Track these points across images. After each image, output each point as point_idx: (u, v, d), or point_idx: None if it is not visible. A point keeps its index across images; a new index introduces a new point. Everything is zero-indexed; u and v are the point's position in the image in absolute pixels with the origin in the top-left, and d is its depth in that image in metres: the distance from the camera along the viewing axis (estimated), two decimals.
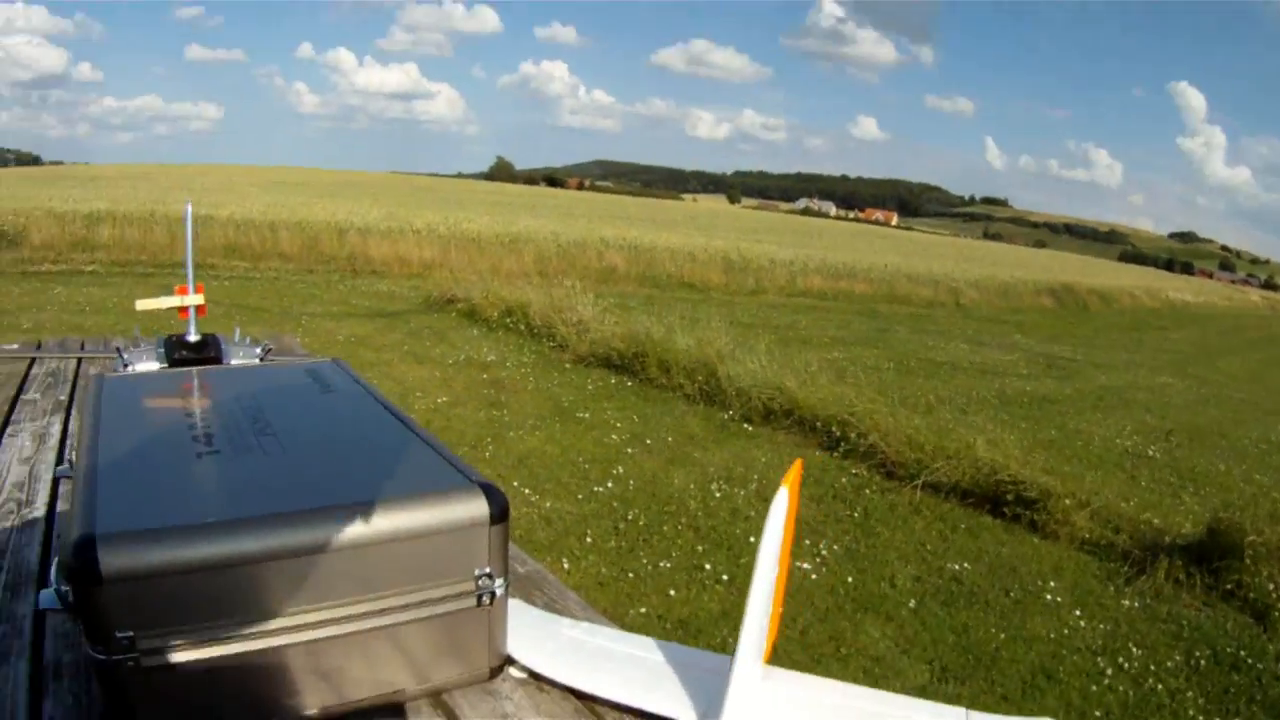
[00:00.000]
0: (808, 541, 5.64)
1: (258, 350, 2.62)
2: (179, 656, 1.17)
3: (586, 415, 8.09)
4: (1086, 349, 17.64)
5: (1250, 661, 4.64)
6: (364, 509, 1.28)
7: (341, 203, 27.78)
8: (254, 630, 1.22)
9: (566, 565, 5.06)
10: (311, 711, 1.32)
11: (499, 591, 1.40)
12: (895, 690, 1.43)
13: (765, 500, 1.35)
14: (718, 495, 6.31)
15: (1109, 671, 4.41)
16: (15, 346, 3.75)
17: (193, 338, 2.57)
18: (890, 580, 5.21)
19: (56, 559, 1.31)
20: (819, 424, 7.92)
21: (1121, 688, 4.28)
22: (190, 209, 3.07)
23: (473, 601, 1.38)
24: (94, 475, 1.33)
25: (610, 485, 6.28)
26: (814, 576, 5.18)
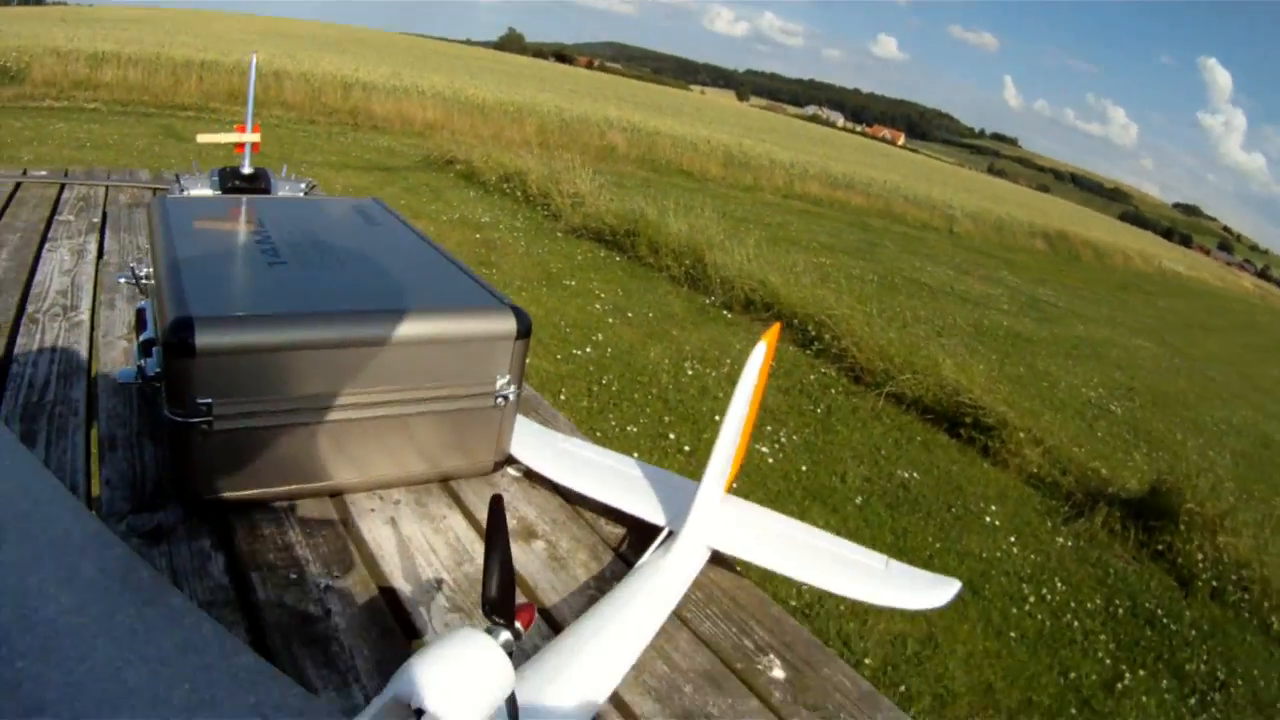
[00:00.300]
0: (769, 428, 5.80)
1: (302, 186, 2.79)
2: (243, 423, 1.36)
3: (573, 283, 8.19)
4: (1070, 298, 17.67)
5: (1165, 621, 4.80)
6: (415, 314, 1.46)
7: (347, 58, 27.49)
8: (310, 407, 1.41)
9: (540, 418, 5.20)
10: (345, 479, 1.51)
11: (511, 397, 1.59)
12: None
13: (734, 383, 1.48)
14: (689, 373, 6.44)
15: (1031, 599, 4.58)
16: (44, 173, 3.85)
17: (246, 170, 2.74)
18: (842, 476, 5.37)
19: (140, 339, 1.57)
20: (796, 321, 8.05)
21: (1040, 616, 4.45)
22: (255, 59, 3.20)
23: (490, 402, 1.57)
24: (178, 272, 1.49)
25: (588, 350, 6.40)
26: (770, 461, 5.34)
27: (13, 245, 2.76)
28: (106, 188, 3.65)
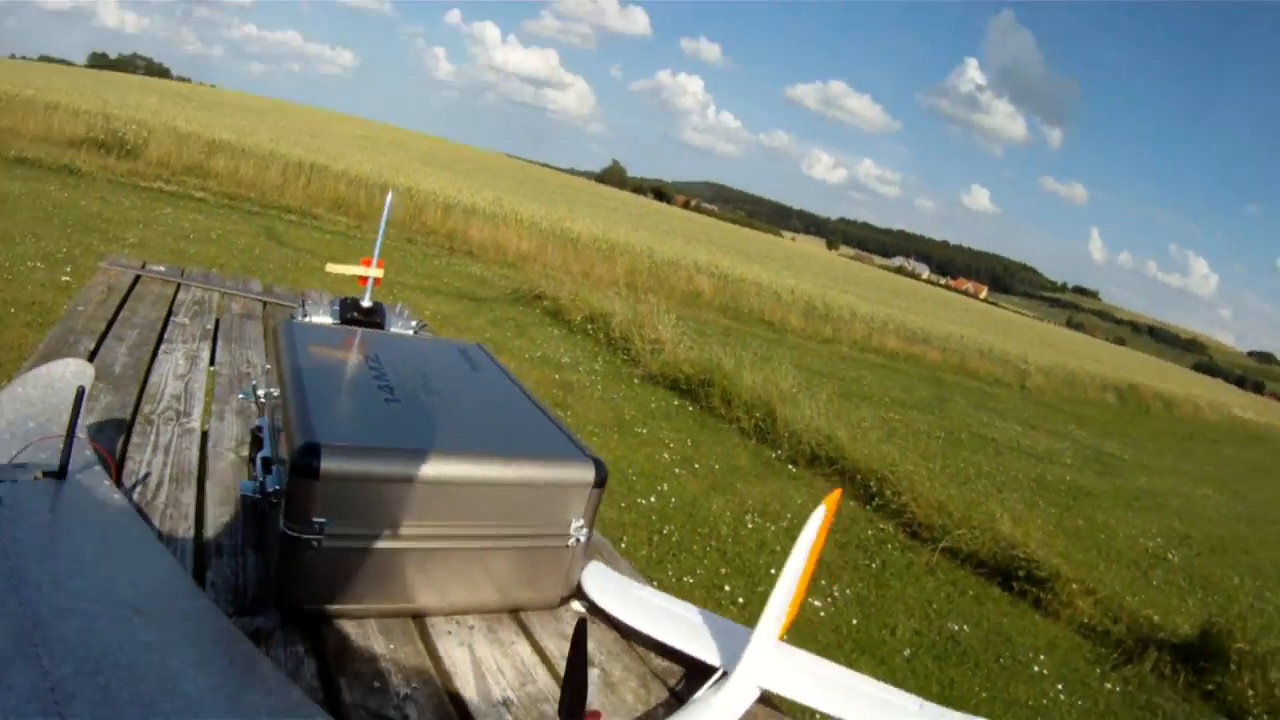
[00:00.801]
0: (823, 582, 5.93)
1: (413, 323, 2.89)
2: (349, 543, 1.51)
3: (644, 431, 8.34)
4: (1136, 450, 17.62)
5: None
6: (507, 458, 1.64)
7: (452, 178, 28.01)
8: (407, 534, 1.56)
9: None
10: (427, 603, 1.65)
11: (583, 540, 1.72)
12: None
13: (793, 538, 1.65)
14: (749, 526, 6.58)
15: None
16: (162, 269, 4.01)
17: (366, 303, 2.84)
18: (892, 629, 5.51)
19: (261, 455, 1.76)
20: (859, 476, 8.17)
21: None
22: (391, 199, 3.34)
23: (563, 543, 1.70)
24: (304, 397, 1.68)
25: (652, 500, 6.55)
26: (823, 614, 5.49)
27: (131, 341, 2.89)
28: (221, 294, 3.78)
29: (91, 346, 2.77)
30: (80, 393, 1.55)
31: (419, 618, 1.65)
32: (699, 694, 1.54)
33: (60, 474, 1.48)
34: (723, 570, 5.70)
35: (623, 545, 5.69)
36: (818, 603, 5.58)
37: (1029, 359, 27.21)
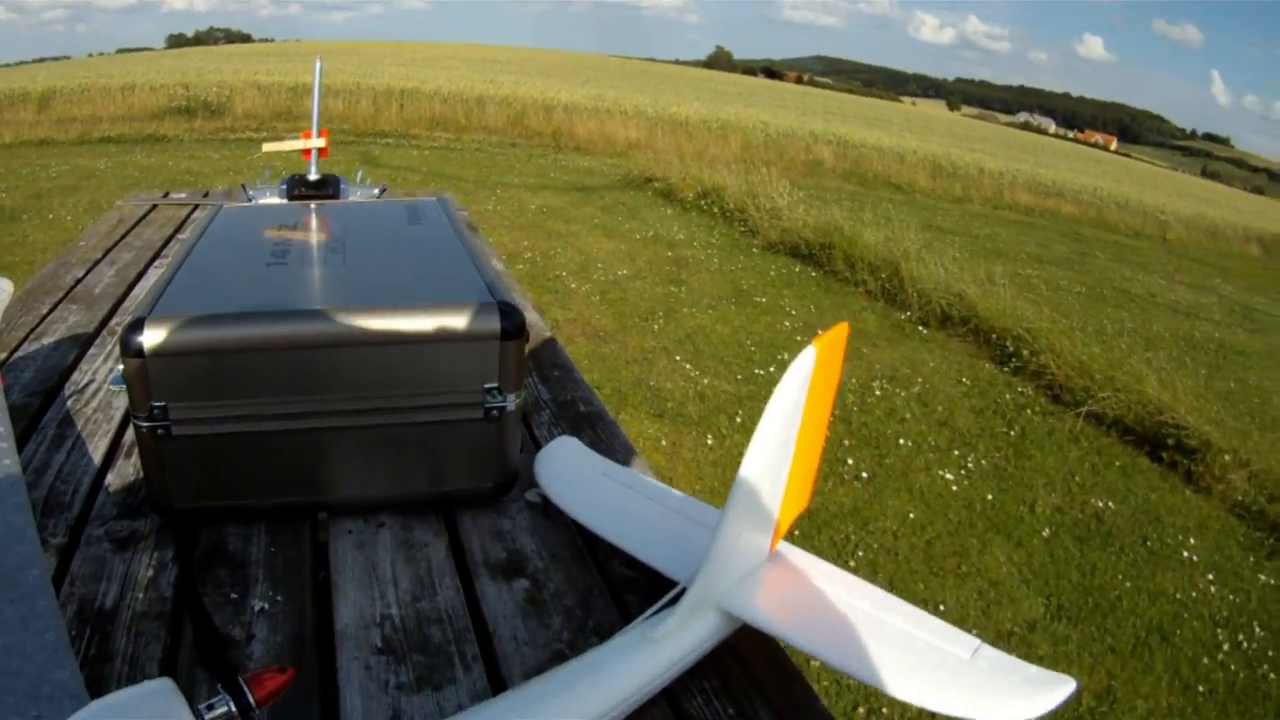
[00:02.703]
0: (956, 452, 5.46)
1: (375, 190, 2.81)
2: (205, 429, 1.32)
3: (763, 300, 7.96)
4: None
5: None
6: (389, 311, 1.36)
7: (552, 81, 27.82)
8: (277, 413, 1.34)
9: (710, 441, 4.99)
10: (325, 497, 1.44)
11: (509, 407, 1.43)
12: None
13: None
14: (877, 393, 6.13)
15: (1225, 647, 4.06)
16: (184, 195, 3.93)
17: (313, 177, 2.76)
18: (1030, 506, 4.99)
19: None
20: (994, 336, 7.62)
21: (1233, 666, 3.94)
22: (319, 64, 3.23)
23: (478, 413, 1.42)
24: (168, 277, 1.48)
25: (772, 369, 6.13)
26: (954, 488, 5.01)
27: (122, 263, 2.86)
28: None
29: (80, 275, 2.74)
30: None
31: (322, 513, 1.46)
32: (637, 621, 1.12)
33: None
34: (846, 442, 5.29)
35: (738, 420, 5.34)
36: (949, 475, 5.12)
37: (1167, 210, 25.92)
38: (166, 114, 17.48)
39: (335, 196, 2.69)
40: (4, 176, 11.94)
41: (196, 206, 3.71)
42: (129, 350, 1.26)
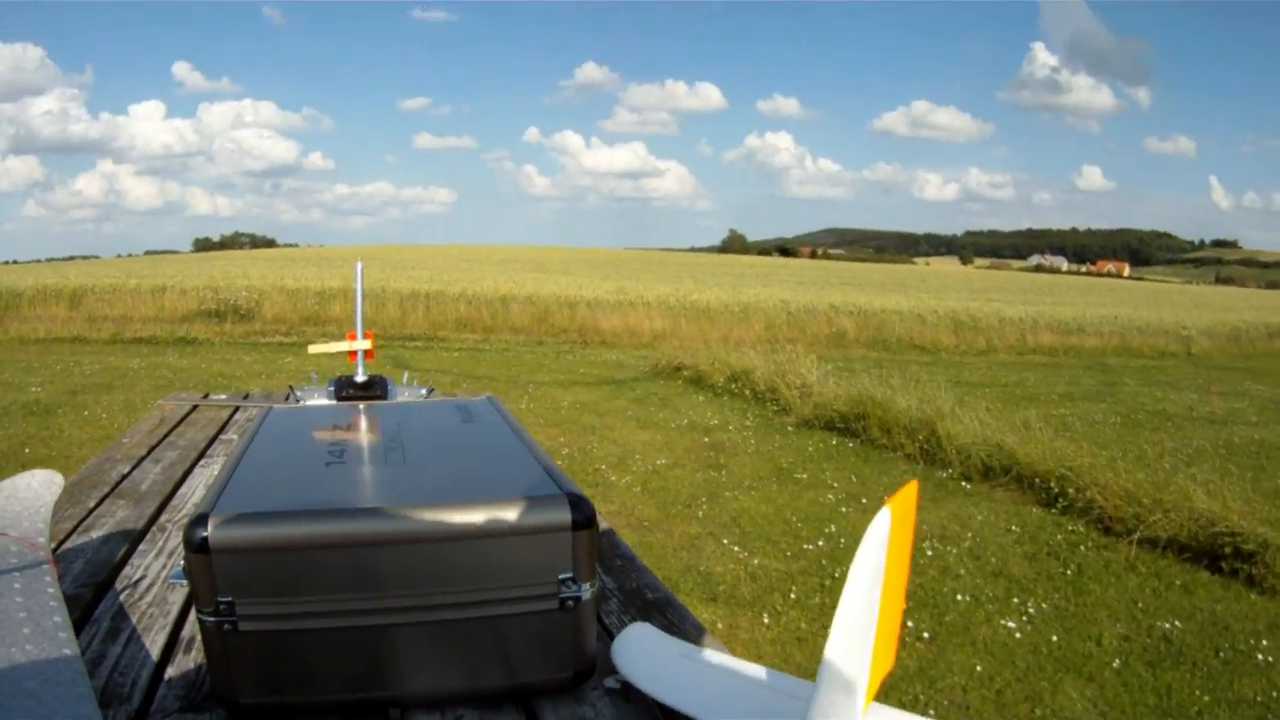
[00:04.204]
0: (1015, 600, 5.38)
1: (422, 391, 2.75)
2: (273, 624, 1.27)
3: (804, 475, 7.95)
4: None
5: None
6: (452, 506, 1.32)
7: (573, 278, 28.35)
8: (343, 608, 1.29)
9: (767, 620, 4.95)
10: (397, 692, 1.36)
11: (584, 597, 1.39)
12: None
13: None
14: (929, 553, 6.08)
15: None
16: (224, 397, 3.95)
17: (360, 378, 2.73)
18: (1097, 639, 4.89)
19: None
20: (1037, 480, 7.56)
21: None
22: (360, 268, 3.11)
23: (554, 604, 1.38)
24: (227, 475, 1.47)
25: (820, 543, 6.12)
26: (1018, 635, 4.92)
27: (167, 462, 2.86)
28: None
29: (126, 470, 2.75)
30: None
31: (396, 707, 1.38)
32: None
33: None
34: (904, 604, 5.16)
35: (791, 596, 5.28)
36: (1010, 623, 5.03)
37: (1188, 324, 25.86)
38: (197, 316, 17.95)
39: (383, 397, 2.67)
40: (39, 371, 12.34)
41: (237, 408, 3.73)
42: (193, 545, 1.24)
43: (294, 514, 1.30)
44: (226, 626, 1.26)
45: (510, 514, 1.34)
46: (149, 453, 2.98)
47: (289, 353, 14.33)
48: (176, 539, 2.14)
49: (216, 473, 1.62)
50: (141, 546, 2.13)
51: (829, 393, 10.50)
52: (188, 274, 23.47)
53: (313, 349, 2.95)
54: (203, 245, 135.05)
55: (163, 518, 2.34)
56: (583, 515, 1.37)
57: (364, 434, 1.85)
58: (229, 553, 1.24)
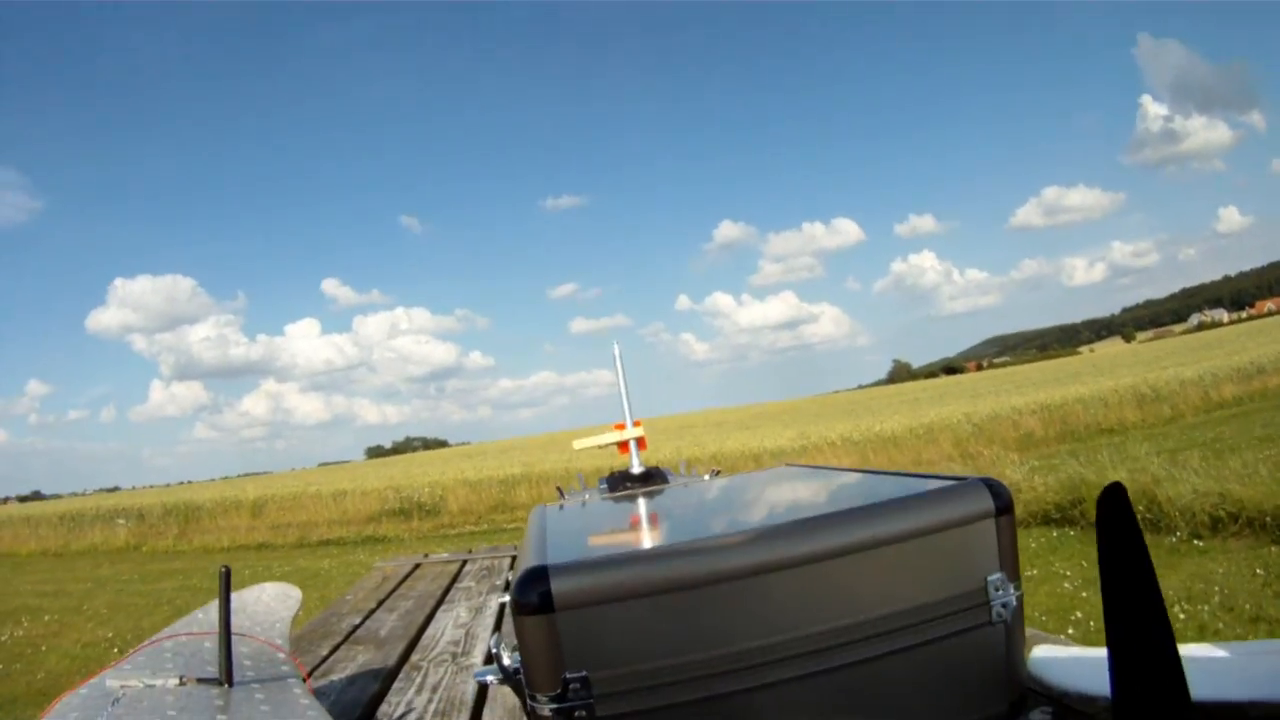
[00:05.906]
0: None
1: (705, 477, 2.28)
2: (635, 703, 0.97)
3: (1034, 572, 7.80)
4: None
5: None
6: (846, 517, 1.06)
7: (752, 432, 28.24)
8: (714, 671, 1.00)
9: None
10: None
11: (1013, 603, 1.12)
12: None
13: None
14: (1181, 617, 5.92)
15: None
16: (446, 555, 4.00)
17: (636, 470, 2.30)
18: None
19: (496, 636, 1.34)
20: (1269, 520, 7.39)
21: None
22: (617, 349, 2.69)
23: (985, 616, 1.10)
24: (537, 545, 1.24)
25: (1070, 631, 6.00)
26: None
27: (403, 610, 2.90)
28: (512, 557, 3.65)
29: (357, 621, 2.83)
30: (226, 601, 1.38)
31: None
32: None
33: (225, 680, 1.32)
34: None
35: None
36: None
37: None
38: (382, 515, 18.08)
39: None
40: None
41: (465, 561, 3.69)
42: (528, 607, 0.98)
43: (653, 555, 1.04)
44: (579, 714, 0.97)
45: (925, 508, 1.08)
46: (379, 605, 3.05)
47: (481, 539, 14.17)
48: (435, 675, 2.15)
49: (507, 572, 1.56)
50: (397, 684, 2.10)
51: (1038, 487, 10.35)
52: (366, 478, 24.15)
53: (578, 444, 2.61)
54: (375, 452, 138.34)
55: (414, 656, 2.34)
56: (1003, 501, 1.12)
57: (671, 505, 1.60)
58: (579, 608, 0.97)
